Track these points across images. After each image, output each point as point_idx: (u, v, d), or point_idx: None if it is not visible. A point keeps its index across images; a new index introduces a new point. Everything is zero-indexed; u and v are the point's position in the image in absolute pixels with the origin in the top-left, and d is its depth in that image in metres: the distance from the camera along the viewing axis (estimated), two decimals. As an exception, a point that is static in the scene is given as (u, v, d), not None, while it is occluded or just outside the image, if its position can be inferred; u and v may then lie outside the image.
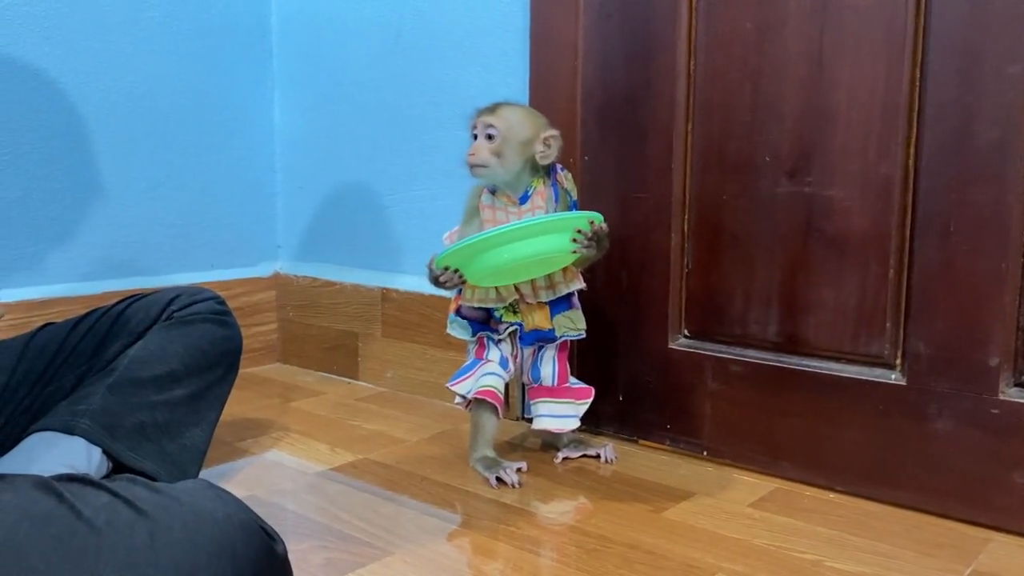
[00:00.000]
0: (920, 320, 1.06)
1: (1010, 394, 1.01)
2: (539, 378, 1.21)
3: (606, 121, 1.30)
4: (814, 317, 1.14)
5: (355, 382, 1.69)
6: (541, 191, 1.14)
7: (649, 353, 1.29)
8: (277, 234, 1.82)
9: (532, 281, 1.14)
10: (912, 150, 1.05)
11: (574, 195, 1.16)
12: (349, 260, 1.71)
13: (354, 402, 1.57)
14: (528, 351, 1.21)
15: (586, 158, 1.32)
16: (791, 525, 1.04)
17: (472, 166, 1.12)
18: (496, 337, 1.19)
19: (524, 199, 1.13)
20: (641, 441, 1.31)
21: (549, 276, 1.15)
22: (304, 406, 1.54)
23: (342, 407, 1.53)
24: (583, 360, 1.34)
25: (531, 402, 1.23)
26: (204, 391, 1.12)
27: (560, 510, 1.09)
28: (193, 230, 1.68)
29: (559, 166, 1.15)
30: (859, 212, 1.09)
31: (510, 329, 1.18)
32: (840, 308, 1.12)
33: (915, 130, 1.04)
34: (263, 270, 1.80)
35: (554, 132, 1.13)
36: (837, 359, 1.13)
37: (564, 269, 1.15)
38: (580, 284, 1.18)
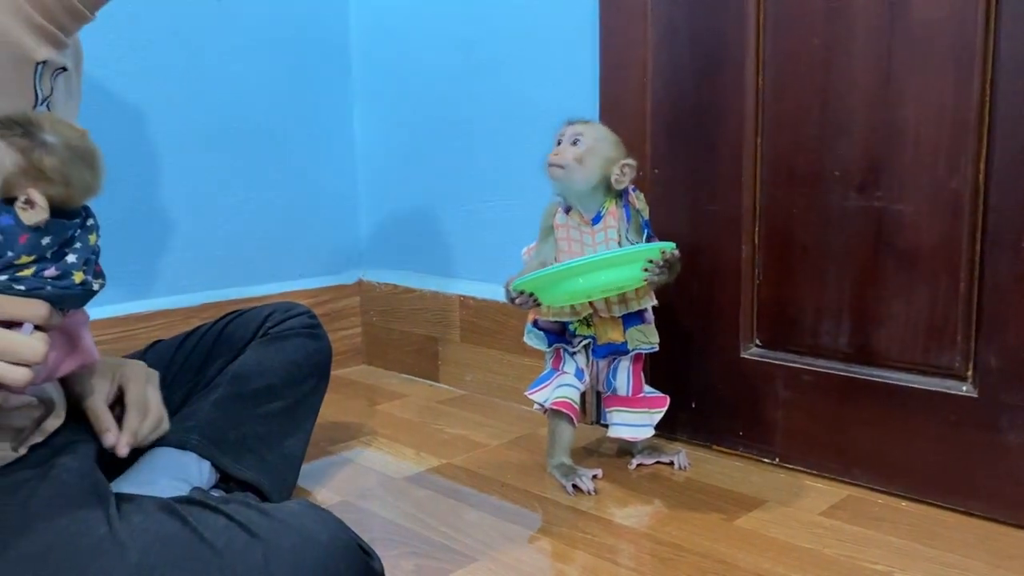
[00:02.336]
0: (991, 333, 1.07)
1: (1083, 408, 1.02)
2: (614, 388, 1.25)
3: (675, 135, 1.33)
4: (885, 329, 1.16)
5: (436, 384, 1.76)
6: (613, 211, 1.18)
7: (722, 362, 1.32)
8: (360, 243, 1.90)
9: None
10: (982, 165, 1.06)
11: (645, 215, 1.19)
12: (427, 268, 1.78)
13: (436, 405, 1.64)
14: (603, 363, 1.26)
15: (656, 171, 1.35)
16: (862, 534, 1.07)
17: (551, 165, 1.16)
18: (571, 349, 1.24)
19: (597, 219, 1.18)
20: (714, 447, 1.35)
21: (622, 292, 1.19)
22: (389, 408, 1.62)
23: (425, 410, 1.60)
24: (656, 368, 1.38)
25: (606, 410, 1.28)
26: (299, 402, 1.20)
27: (635, 517, 1.13)
28: (281, 242, 1.77)
29: (632, 187, 1.19)
30: (929, 226, 1.10)
31: (584, 342, 1.23)
32: (911, 320, 1.14)
33: (985, 146, 1.05)
34: (347, 277, 1.88)
35: (631, 161, 1.17)
36: (908, 370, 1.15)
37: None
38: (652, 301, 1.22)
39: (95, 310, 1.51)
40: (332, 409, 1.59)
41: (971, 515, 1.11)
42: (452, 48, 1.66)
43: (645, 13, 1.32)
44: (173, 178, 1.60)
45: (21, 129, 0.73)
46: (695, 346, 1.35)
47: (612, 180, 1.16)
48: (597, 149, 1.16)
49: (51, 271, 0.74)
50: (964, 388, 1.10)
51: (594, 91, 1.42)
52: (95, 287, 0.78)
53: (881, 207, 1.14)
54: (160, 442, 1.05)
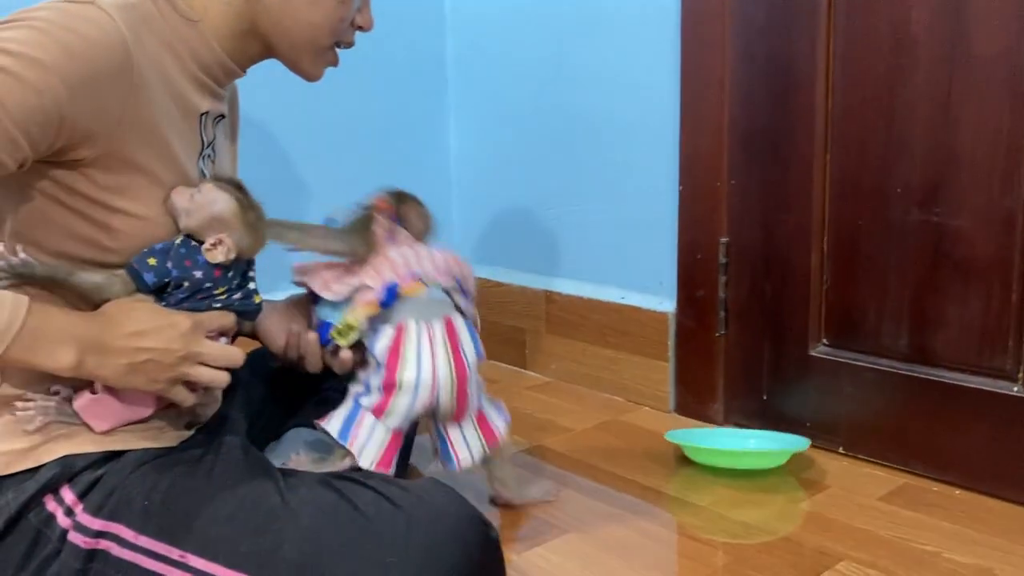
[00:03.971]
0: (1040, 340, 1.17)
1: (1124, 409, 1.12)
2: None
3: (750, 150, 1.44)
4: (941, 332, 1.27)
5: (523, 371, 1.92)
6: None
7: (792, 358, 1.44)
8: (454, 241, 2.06)
9: None
10: (1035, 186, 1.16)
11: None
12: (516, 264, 1.94)
13: (524, 391, 1.80)
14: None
15: (732, 182, 1.48)
16: (915, 519, 1.19)
17: None
18: None
19: None
20: (782, 435, 1.47)
21: None
22: (482, 395, 1.78)
23: (515, 395, 1.76)
24: (730, 362, 1.51)
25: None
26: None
27: (710, 498, 1.27)
28: (384, 240, 1.94)
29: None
30: (984, 241, 1.21)
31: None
32: (965, 325, 1.24)
33: (1037, 169, 1.15)
34: (442, 272, 2.05)
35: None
36: (962, 370, 1.26)
37: None
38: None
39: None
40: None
41: (1018, 504, 1.21)
42: (542, 64, 1.80)
43: (723, 38, 1.44)
44: (288, 190, 1.78)
45: (237, 190, 0.92)
46: (768, 344, 1.47)
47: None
48: None
49: (238, 295, 0.92)
50: (1015, 388, 1.21)
51: (675, 108, 1.54)
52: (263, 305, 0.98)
53: (939, 222, 1.24)
54: (300, 423, 1.23)
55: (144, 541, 0.85)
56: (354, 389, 1.09)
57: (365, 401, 1.07)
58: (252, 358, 1.29)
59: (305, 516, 0.86)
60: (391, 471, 1.05)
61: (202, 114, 0.99)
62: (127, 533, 0.86)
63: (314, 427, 1.21)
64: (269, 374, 1.28)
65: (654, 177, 1.61)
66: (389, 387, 1.04)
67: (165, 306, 0.89)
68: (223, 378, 0.90)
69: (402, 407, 1.05)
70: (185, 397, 0.92)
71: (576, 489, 1.32)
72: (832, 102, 1.34)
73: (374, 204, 1.13)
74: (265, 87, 1.75)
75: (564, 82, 1.76)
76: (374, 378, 1.06)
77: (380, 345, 1.05)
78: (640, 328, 1.67)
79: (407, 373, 1.03)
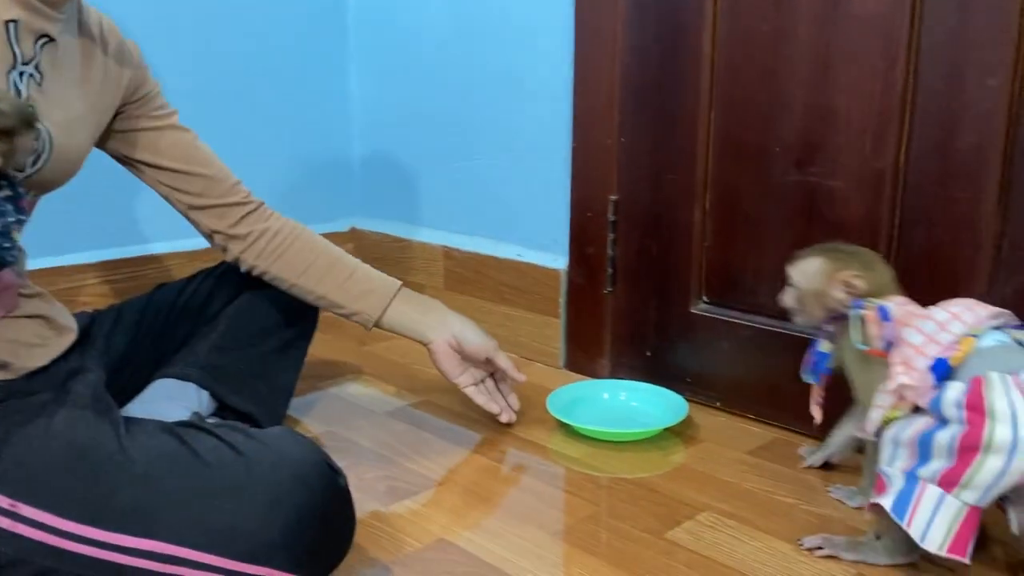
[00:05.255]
0: (903, 299, 1.20)
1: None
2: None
3: (641, 107, 1.44)
4: (814, 291, 1.29)
5: (422, 327, 1.91)
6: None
7: (674, 315, 1.46)
8: (353, 193, 2.03)
9: None
10: (903, 148, 1.17)
11: (859, 341, 1.00)
12: (416, 219, 1.91)
13: (420, 347, 1.78)
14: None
15: (623, 139, 1.47)
16: (780, 472, 1.22)
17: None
18: None
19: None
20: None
21: None
22: (376, 351, 1.76)
23: (409, 352, 1.75)
24: (617, 320, 1.52)
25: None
26: (292, 341, 1.35)
27: (586, 451, 1.28)
28: (282, 190, 1.90)
29: (859, 301, 1.02)
30: (856, 201, 1.23)
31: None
32: (836, 285, 1.26)
33: (906, 131, 1.17)
34: (341, 225, 2.02)
35: (850, 272, 1.03)
36: (833, 329, 1.28)
37: None
38: None
39: (105, 252, 1.65)
40: (325, 348, 1.73)
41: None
42: (443, 15, 1.76)
43: (616, -9, 1.43)
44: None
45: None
46: (652, 301, 1.48)
47: (835, 302, 1.05)
48: (806, 290, 1.08)
49: None
50: (879, 347, 1.24)
51: (569, 63, 1.53)
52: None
53: (815, 182, 1.26)
54: (165, 374, 1.20)
55: (-28, 489, 0.82)
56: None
57: (925, 471, 0.90)
58: (119, 310, 1.26)
59: (141, 463, 0.84)
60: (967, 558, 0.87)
61: (7, 22, 0.90)
62: (-46, 479, 0.83)
63: (185, 378, 1.20)
64: (134, 324, 1.25)
65: (550, 133, 1.60)
66: (969, 449, 0.86)
67: None
68: None
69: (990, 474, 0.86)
70: None
71: (454, 442, 1.32)
72: (717, 59, 1.34)
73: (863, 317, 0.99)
74: (157, 29, 1.70)
75: (465, 35, 1.73)
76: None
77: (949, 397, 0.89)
78: (535, 285, 1.66)
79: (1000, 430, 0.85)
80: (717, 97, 1.35)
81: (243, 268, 1.26)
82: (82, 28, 1.04)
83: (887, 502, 0.90)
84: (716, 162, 1.37)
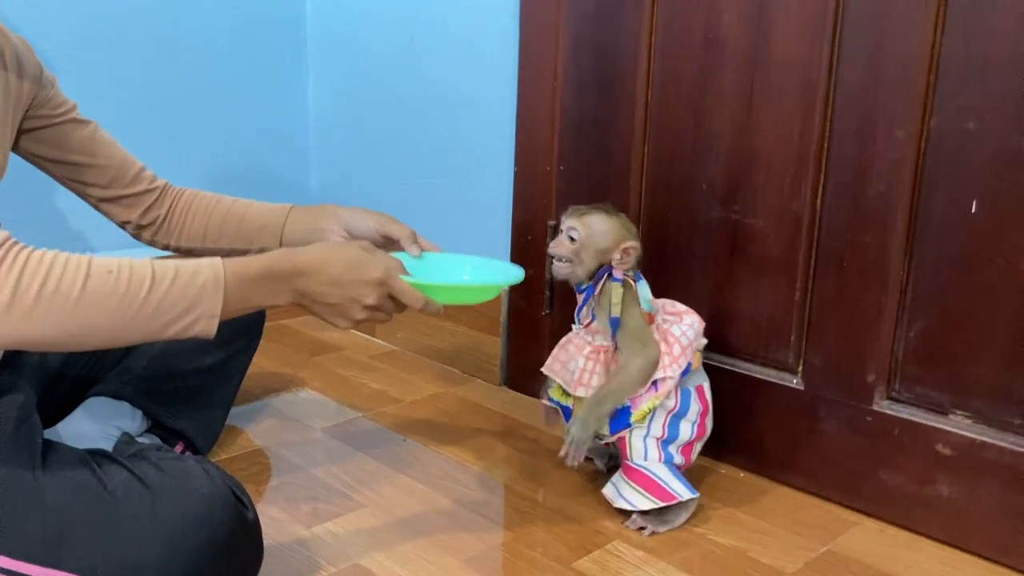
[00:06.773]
0: (816, 337, 1.24)
1: (883, 406, 1.19)
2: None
3: (579, 137, 1.48)
4: (735, 324, 1.33)
5: (372, 339, 1.94)
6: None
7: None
8: (311, 199, 2.06)
9: None
10: (819, 191, 1.21)
11: (615, 311, 1.16)
12: (370, 232, 1.95)
13: (367, 359, 1.82)
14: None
15: (561, 167, 1.51)
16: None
17: (551, 255, 1.21)
18: None
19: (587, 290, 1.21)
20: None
21: None
22: (324, 362, 1.80)
23: (356, 365, 1.78)
24: (553, 341, 1.55)
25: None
26: (230, 359, 1.37)
27: (512, 475, 1.32)
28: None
29: (631, 271, 1.19)
30: (774, 240, 1.27)
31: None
32: (756, 319, 1.31)
33: (822, 175, 1.21)
34: (297, 236, 2.05)
35: (633, 243, 1.17)
36: (752, 361, 1.33)
37: None
38: None
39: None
40: (272, 357, 1.77)
41: (793, 487, 1.29)
42: (396, 35, 1.79)
43: (558, 25, 1.46)
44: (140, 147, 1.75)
45: None
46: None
47: (613, 264, 1.17)
48: (590, 244, 1.17)
49: None
50: (794, 381, 1.28)
51: (514, 90, 1.56)
52: None
53: (737, 220, 1.30)
54: (99, 392, 1.24)
55: None
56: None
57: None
58: None
59: (53, 493, 0.87)
60: None
61: None
62: None
63: (118, 396, 1.23)
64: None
65: (496, 156, 1.64)
66: None
67: None
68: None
69: None
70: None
71: (385, 461, 1.35)
72: (651, 96, 1.38)
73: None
74: (111, 45, 1.72)
75: (416, 54, 1.76)
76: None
77: None
78: (478, 304, 1.70)
79: None
80: (651, 133, 1.39)
81: (158, 250, 1.29)
82: None
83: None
84: (649, 194, 1.41)
